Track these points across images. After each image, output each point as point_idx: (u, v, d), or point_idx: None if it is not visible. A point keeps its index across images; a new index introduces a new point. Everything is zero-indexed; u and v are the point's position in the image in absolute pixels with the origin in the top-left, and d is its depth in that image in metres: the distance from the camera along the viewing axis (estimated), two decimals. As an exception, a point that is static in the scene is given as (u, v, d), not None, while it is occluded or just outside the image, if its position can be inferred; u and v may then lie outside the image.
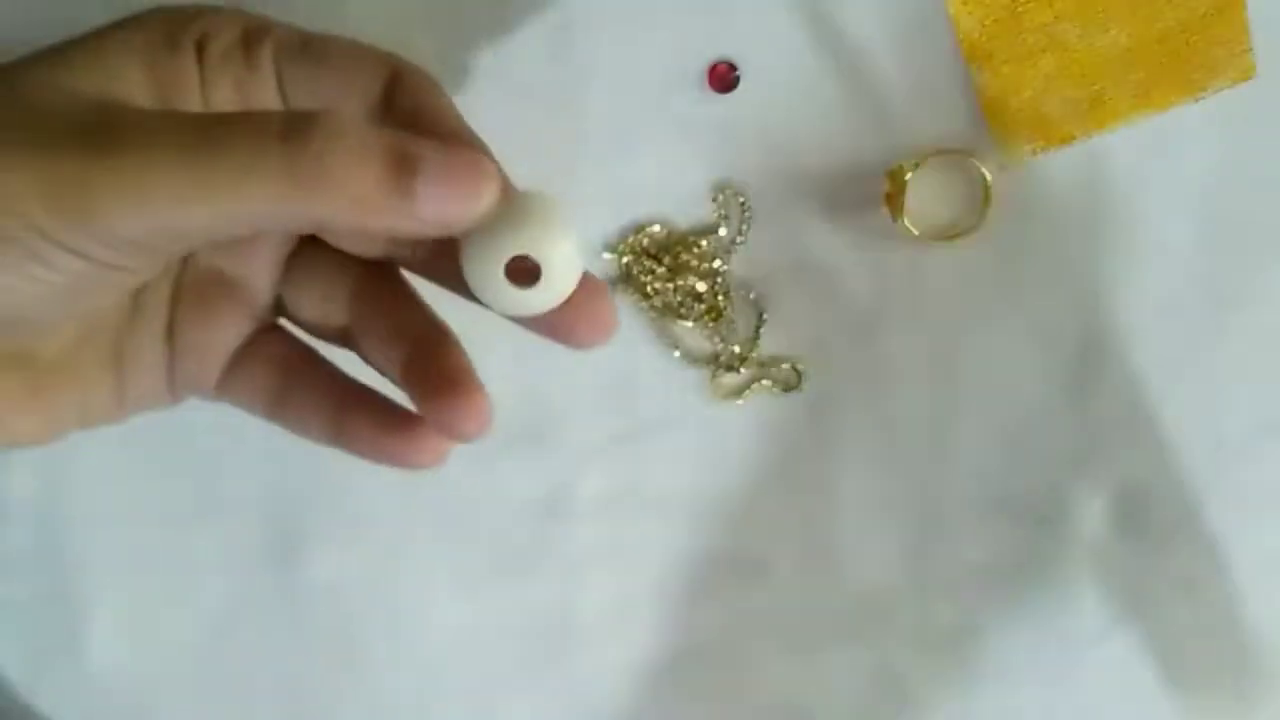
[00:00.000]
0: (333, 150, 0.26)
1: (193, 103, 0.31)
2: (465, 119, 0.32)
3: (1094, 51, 0.40)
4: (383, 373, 0.33)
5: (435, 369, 0.31)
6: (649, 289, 0.42)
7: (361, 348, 0.34)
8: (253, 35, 0.32)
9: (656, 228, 0.41)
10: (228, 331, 0.34)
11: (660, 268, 0.41)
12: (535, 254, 0.28)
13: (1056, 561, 0.43)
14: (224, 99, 0.31)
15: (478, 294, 0.29)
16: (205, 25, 0.31)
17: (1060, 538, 0.43)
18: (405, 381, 0.32)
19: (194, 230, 0.27)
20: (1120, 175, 0.41)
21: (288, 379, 0.34)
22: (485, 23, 0.40)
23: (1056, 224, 0.41)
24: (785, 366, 0.42)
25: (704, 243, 0.41)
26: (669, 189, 0.41)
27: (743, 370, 0.42)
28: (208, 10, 0.32)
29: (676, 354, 0.42)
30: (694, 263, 0.41)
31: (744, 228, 0.41)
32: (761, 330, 0.42)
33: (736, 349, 0.42)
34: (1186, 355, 0.42)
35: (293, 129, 0.26)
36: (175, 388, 0.34)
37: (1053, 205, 0.41)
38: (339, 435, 0.33)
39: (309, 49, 0.32)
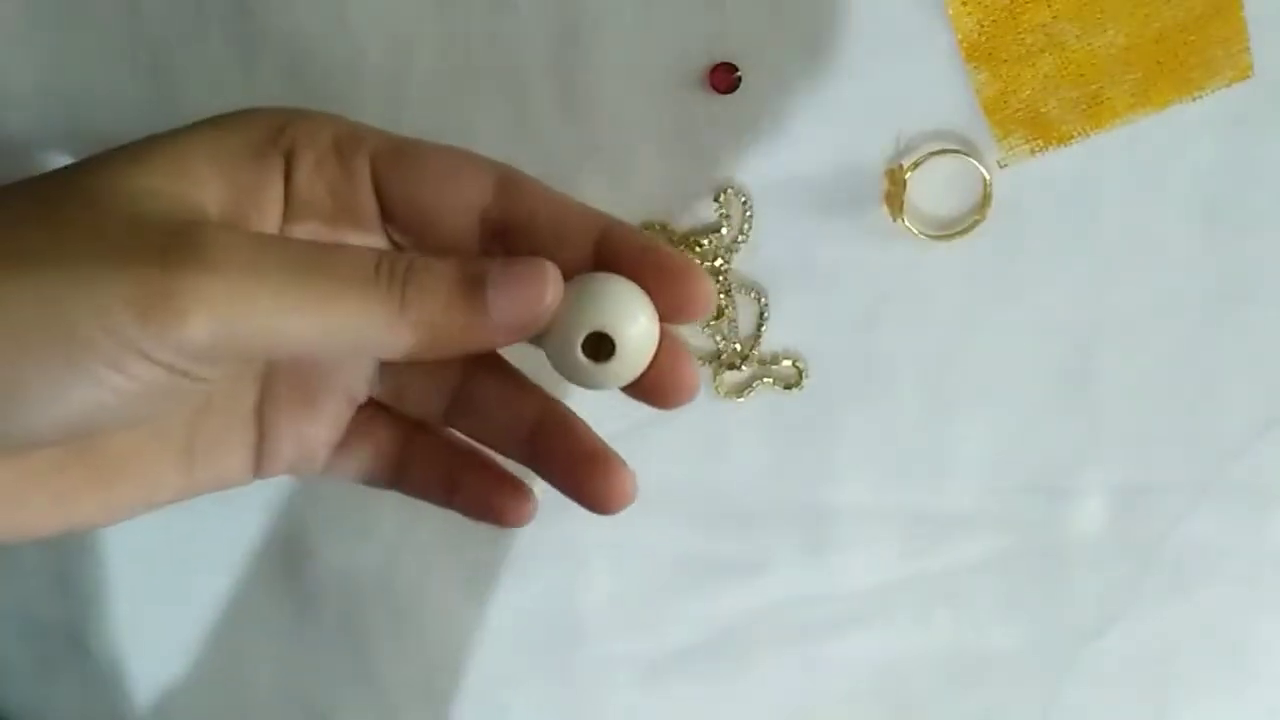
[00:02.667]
0: (419, 296, 0.28)
1: (272, 213, 0.31)
2: (590, 209, 0.32)
3: (1092, 51, 0.40)
4: (503, 454, 0.34)
5: (568, 448, 0.33)
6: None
7: (472, 430, 0.35)
8: (345, 142, 0.31)
9: (659, 227, 0.42)
10: (329, 420, 0.34)
11: (663, 267, 0.42)
12: (609, 332, 0.29)
13: (1054, 559, 0.43)
14: (317, 206, 0.31)
15: (559, 372, 0.30)
16: (296, 133, 0.31)
17: (1057, 535, 0.43)
18: (535, 461, 0.33)
19: (283, 346, 0.28)
20: (1118, 174, 0.41)
21: (402, 452, 0.35)
22: (486, 23, 0.40)
23: (1055, 223, 0.41)
24: (786, 364, 0.43)
25: (706, 242, 0.41)
26: (671, 189, 0.41)
27: (744, 368, 0.43)
28: (299, 116, 0.31)
29: (678, 352, 0.43)
30: (696, 262, 0.42)
31: (745, 227, 0.41)
32: (763, 328, 0.42)
33: (738, 347, 0.42)
34: (1184, 354, 0.42)
35: (391, 273, 0.28)
36: (263, 468, 0.34)
37: (1051, 204, 0.41)
38: (452, 497, 0.35)
39: (404, 155, 0.31)
